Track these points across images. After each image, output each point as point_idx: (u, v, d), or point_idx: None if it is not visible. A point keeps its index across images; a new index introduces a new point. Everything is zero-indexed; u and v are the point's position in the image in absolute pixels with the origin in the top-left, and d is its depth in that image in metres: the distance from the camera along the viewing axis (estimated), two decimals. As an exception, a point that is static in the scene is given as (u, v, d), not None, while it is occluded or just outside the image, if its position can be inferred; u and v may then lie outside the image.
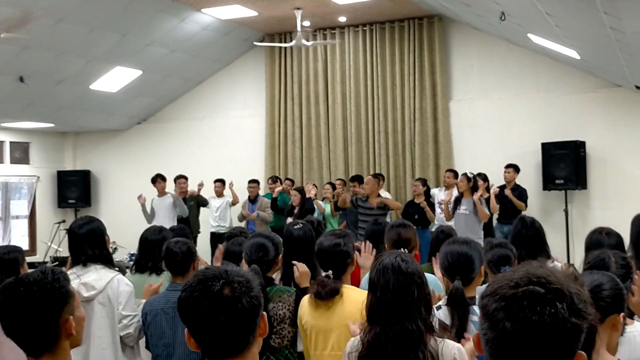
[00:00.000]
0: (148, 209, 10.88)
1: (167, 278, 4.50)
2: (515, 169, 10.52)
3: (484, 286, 4.04)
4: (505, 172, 10.46)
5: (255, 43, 11.98)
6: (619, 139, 10.61)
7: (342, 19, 11.70)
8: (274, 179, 11.77)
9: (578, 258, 4.84)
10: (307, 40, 10.94)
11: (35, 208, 13.46)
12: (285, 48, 12.24)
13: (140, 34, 10.56)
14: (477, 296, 3.23)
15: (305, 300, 3.55)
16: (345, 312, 3.37)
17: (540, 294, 1.42)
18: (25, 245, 13.23)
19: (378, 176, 10.59)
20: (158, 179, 11.13)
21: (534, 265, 1.53)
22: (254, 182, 11.32)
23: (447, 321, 3.07)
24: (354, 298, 3.42)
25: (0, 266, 3.98)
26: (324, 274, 3.52)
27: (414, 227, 4.75)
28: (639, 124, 10.50)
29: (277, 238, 3.97)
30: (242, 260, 3.90)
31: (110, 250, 10.80)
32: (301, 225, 4.07)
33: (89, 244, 3.99)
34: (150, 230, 5.03)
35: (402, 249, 4.24)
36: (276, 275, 3.99)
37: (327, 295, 3.40)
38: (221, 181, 11.84)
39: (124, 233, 10.82)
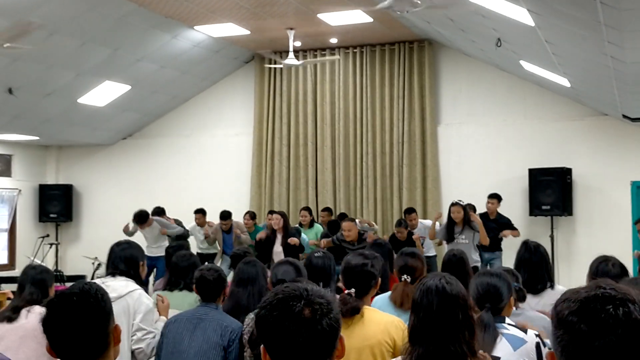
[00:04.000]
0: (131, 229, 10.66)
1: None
2: (499, 199, 10.49)
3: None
4: (489, 202, 10.39)
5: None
6: (605, 167, 10.76)
7: (334, 40, 11.76)
8: (252, 215, 11.23)
9: (562, 284, 4.86)
10: (298, 60, 10.96)
11: (15, 221, 13.24)
12: (275, 67, 12.25)
13: (132, 49, 10.51)
14: (506, 318, 3.35)
15: None
16: (365, 332, 3.35)
17: (612, 296, 1.47)
18: (4, 259, 13.02)
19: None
20: (139, 223, 10.60)
21: (600, 280, 1.59)
22: (226, 219, 10.83)
23: None
24: (376, 319, 3.41)
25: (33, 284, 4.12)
26: (346, 291, 3.50)
27: (423, 256, 4.76)
28: (625, 152, 10.67)
29: (301, 264, 4.09)
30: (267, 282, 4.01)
31: (94, 266, 10.81)
32: (322, 254, 4.13)
33: (126, 263, 4.18)
34: (179, 256, 5.17)
35: (406, 276, 4.29)
36: None
37: (347, 312, 3.38)
38: (201, 212, 11.29)
39: (106, 249, 10.57)
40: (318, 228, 10.63)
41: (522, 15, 6.11)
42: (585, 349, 1.44)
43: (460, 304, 2.64)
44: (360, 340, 3.36)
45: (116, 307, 3.80)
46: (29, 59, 9.55)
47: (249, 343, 3.74)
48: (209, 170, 13.02)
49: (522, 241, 5.02)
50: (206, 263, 4.54)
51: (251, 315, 3.86)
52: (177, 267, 5.05)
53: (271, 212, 11.42)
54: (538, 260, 4.79)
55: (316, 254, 4.16)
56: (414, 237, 9.58)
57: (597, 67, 7.02)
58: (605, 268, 4.43)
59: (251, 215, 11.22)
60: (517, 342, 3.19)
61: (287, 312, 1.71)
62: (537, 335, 3.26)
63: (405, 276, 4.30)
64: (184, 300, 4.75)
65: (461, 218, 8.68)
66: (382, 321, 3.42)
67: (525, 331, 3.26)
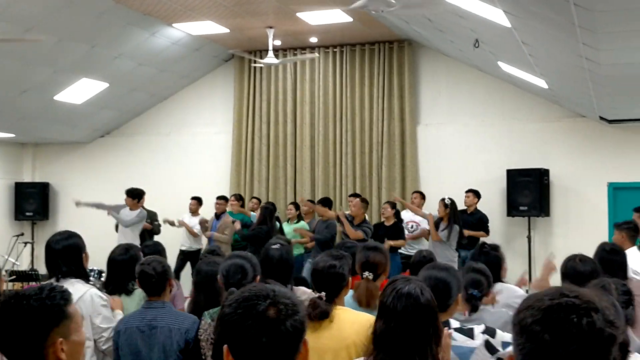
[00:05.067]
0: (115, 213, 10.35)
1: (141, 296, 4.38)
2: (475, 194, 10.59)
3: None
4: (465, 196, 10.52)
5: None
6: (582, 168, 10.83)
7: (314, 40, 11.73)
8: (238, 197, 11.59)
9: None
10: (277, 59, 10.91)
11: (-10, 219, 13.10)
12: (255, 66, 12.20)
13: (109, 46, 10.42)
14: (451, 320, 3.15)
15: None
16: (341, 333, 3.30)
17: (575, 305, 1.45)
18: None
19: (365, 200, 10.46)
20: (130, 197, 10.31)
21: (564, 286, 1.60)
22: (221, 199, 11.11)
23: None
24: (351, 319, 3.35)
25: None
26: (316, 295, 3.44)
27: (386, 251, 4.62)
28: (602, 154, 10.74)
29: (254, 258, 3.86)
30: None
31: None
32: (279, 245, 3.98)
33: (65, 260, 3.94)
34: (116, 252, 4.80)
35: (367, 273, 4.11)
36: None
37: (316, 317, 3.32)
38: (197, 199, 11.48)
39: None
40: (303, 224, 10.70)
41: (499, 17, 6.12)
42: (548, 358, 1.43)
43: (432, 316, 2.55)
44: (336, 341, 3.30)
45: None
46: (5, 56, 9.43)
47: (213, 358, 3.46)
48: (188, 168, 12.94)
49: (479, 243, 4.99)
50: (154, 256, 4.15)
51: (208, 320, 3.67)
52: (114, 262, 4.63)
53: (254, 197, 11.75)
54: (491, 261, 4.70)
55: (273, 245, 3.96)
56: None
57: (573, 69, 7.05)
58: (573, 265, 4.45)
59: (237, 197, 11.40)
60: (466, 354, 2.97)
61: (251, 310, 1.69)
62: (483, 332, 3.05)
63: (367, 273, 4.09)
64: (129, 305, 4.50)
65: (443, 214, 8.80)
66: (357, 321, 3.35)
67: (471, 334, 3.04)
